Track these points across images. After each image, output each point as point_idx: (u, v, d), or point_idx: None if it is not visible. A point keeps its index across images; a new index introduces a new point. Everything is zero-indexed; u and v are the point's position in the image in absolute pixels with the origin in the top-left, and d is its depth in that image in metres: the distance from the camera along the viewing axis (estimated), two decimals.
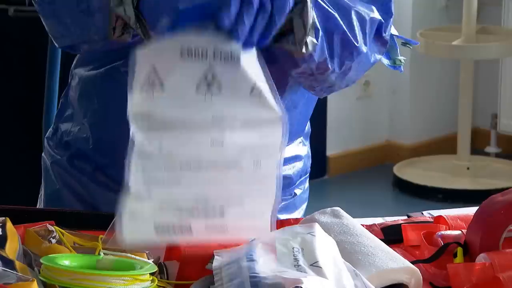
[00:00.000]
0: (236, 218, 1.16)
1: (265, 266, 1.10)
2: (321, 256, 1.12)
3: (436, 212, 1.43)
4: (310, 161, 1.60)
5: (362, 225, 1.31)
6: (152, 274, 1.15)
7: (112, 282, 1.10)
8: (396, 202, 3.97)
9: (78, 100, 1.50)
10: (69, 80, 1.53)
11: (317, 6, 1.26)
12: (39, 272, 1.13)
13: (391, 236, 1.34)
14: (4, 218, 1.20)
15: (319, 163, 4.18)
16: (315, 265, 1.10)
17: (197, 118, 1.13)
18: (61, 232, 1.24)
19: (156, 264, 1.17)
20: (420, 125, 4.29)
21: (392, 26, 1.42)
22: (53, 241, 1.22)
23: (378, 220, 1.40)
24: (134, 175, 1.12)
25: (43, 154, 1.56)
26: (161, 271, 1.19)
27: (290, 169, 1.54)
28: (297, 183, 1.56)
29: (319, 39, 1.24)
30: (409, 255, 1.29)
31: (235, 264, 1.12)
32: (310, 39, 1.22)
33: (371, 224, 1.37)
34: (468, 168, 4.02)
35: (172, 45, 1.13)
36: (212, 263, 1.15)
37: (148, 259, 1.19)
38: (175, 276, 1.20)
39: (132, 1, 1.18)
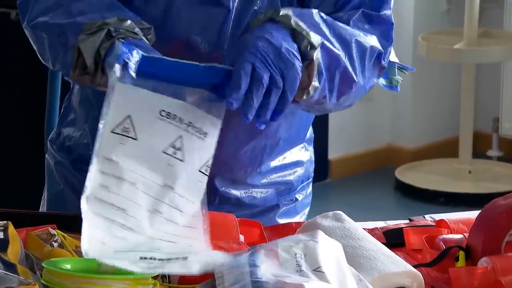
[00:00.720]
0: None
1: (268, 271, 1.10)
2: (324, 262, 1.12)
3: (438, 216, 1.43)
4: (313, 166, 1.61)
5: (364, 228, 1.31)
6: (154, 277, 1.15)
7: (114, 285, 1.10)
8: (397, 205, 3.97)
9: (79, 106, 1.50)
10: (71, 85, 1.53)
11: (323, 47, 1.26)
12: (41, 276, 1.13)
13: (393, 240, 1.34)
14: (6, 222, 1.20)
15: (320, 167, 4.17)
16: (317, 270, 1.10)
17: (152, 180, 1.16)
18: (63, 236, 1.24)
19: None
20: (422, 129, 4.28)
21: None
22: (55, 244, 1.22)
23: (380, 224, 1.40)
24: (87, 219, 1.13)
25: (46, 156, 1.57)
26: (163, 275, 1.19)
27: (291, 175, 1.54)
28: (298, 188, 1.57)
29: (323, 81, 1.27)
30: (411, 259, 1.29)
31: (238, 269, 1.12)
32: (313, 85, 1.25)
33: (373, 228, 1.37)
34: (469, 172, 4.02)
35: (154, 101, 1.17)
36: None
37: None
38: (177, 280, 1.20)
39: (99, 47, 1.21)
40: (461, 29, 3.93)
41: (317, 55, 1.24)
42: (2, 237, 1.17)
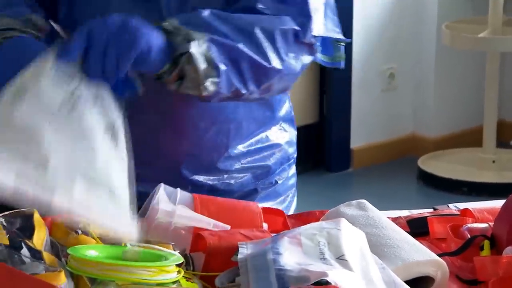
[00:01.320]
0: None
1: (291, 259, 1.10)
2: (347, 250, 1.11)
3: (462, 205, 1.42)
4: (294, 147, 1.60)
5: (388, 217, 1.31)
6: (178, 265, 1.15)
7: (139, 273, 1.10)
8: (420, 195, 3.95)
9: None
10: None
11: (214, 42, 1.28)
12: (66, 263, 1.14)
13: (417, 228, 1.33)
14: (31, 209, 1.21)
15: (343, 156, 4.17)
16: (341, 258, 1.10)
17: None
18: (88, 224, 1.25)
19: (182, 256, 1.18)
20: (445, 118, 4.26)
21: (325, 24, 1.43)
22: (80, 232, 1.23)
23: (404, 213, 1.40)
24: None
25: None
26: (187, 263, 1.20)
27: (268, 158, 1.54)
28: (277, 171, 1.56)
29: (222, 76, 1.28)
30: (435, 248, 1.29)
31: (261, 257, 1.12)
32: (209, 80, 1.26)
33: (397, 217, 1.37)
34: (493, 161, 3.99)
35: (46, 64, 1.18)
36: (238, 255, 1.15)
37: (174, 251, 1.19)
38: (201, 268, 1.20)
39: None
40: (486, 18, 3.91)
41: (195, 48, 1.25)
42: (28, 224, 1.17)
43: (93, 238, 1.22)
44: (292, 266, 1.08)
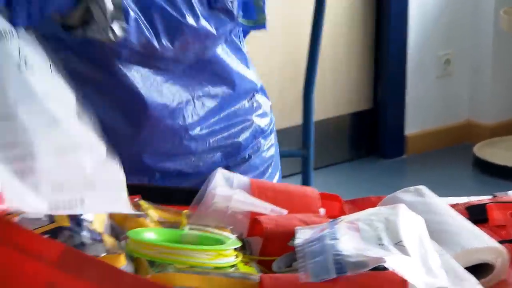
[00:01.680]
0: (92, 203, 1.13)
1: (348, 244, 1.10)
2: (406, 236, 1.11)
3: None
4: (268, 117, 1.58)
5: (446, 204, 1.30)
6: (235, 249, 1.15)
7: (197, 256, 1.11)
8: (476, 182, 3.92)
9: None
10: None
11: None
12: (126, 246, 1.15)
13: (476, 215, 1.32)
14: None
15: (397, 142, 4.14)
16: (399, 244, 1.10)
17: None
18: (147, 207, 1.26)
19: (239, 240, 1.18)
20: (502, 104, 4.21)
21: None
22: (139, 215, 1.24)
23: (463, 199, 1.39)
24: None
25: None
26: (244, 247, 1.20)
27: (237, 135, 1.52)
28: (249, 146, 1.54)
29: (131, 21, 1.25)
30: (495, 235, 1.27)
31: (318, 242, 1.12)
32: (117, 24, 1.23)
33: (455, 204, 1.36)
34: None
35: None
36: (294, 240, 1.16)
37: (231, 235, 1.19)
38: (258, 252, 1.21)
39: None
40: None
41: None
42: None
43: (152, 221, 1.23)
44: (349, 251, 1.08)
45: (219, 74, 1.49)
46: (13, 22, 1.15)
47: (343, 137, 4.12)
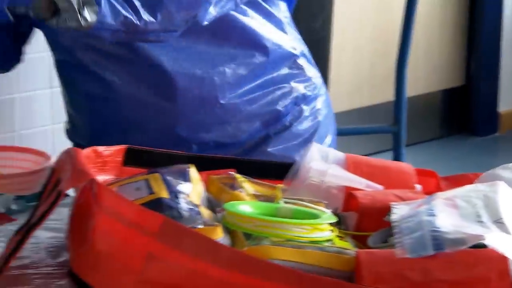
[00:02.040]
0: None
1: (446, 221, 1.09)
2: (505, 213, 1.09)
3: None
4: (311, 84, 1.55)
5: None
6: (330, 224, 1.15)
7: (293, 230, 1.11)
8: None
9: None
10: None
11: None
12: (222, 218, 1.16)
13: None
14: (188, 164, 1.24)
15: (490, 120, 4.07)
16: (499, 222, 1.08)
17: None
18: (242, 180, 1.27)
19: (334, 215, 1.18)
20: None
21: None
22: (235, 188, 1.25)
23: None
24: None
25: None
26: (339, 222, 1.20)
27: (276, 102, 1.50)
28: (289, 113, 1.52)
29: (102, 3, 1.22)
30: None
31: (415, 218, 1.11)
32: (87, 9, 1.21)
33: None
34: None
35: None
36: (390, 215, 1.15)
37: (326, 209, 1.19)
38: (353, 227, 1.20)
39: None
40: None
41: None
42: (185, 179, 1.20)
43: (247, 194, 1.24)
44: (447, 228, 1.06)
45: (247, 41, 1.48)
46: None
47: (434, 114, 4.06)
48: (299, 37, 1.58)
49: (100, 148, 1.27)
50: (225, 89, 1.46)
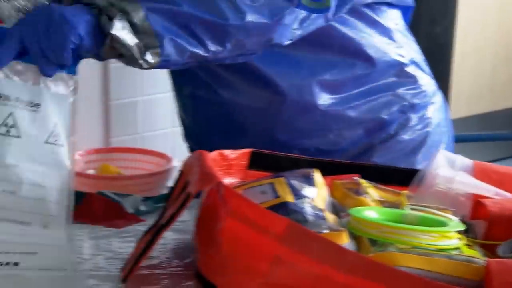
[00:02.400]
0: (32, 263, 1.15)
1: None
2: None
3: None
4: (420, 92, 1.51)
5: None
6: (458, 232, 1.13)
7: (420, 237, 1.09)
8: None
9: None
10: None
11: (154, 10, 1.21)
12: (347, 224, 1.15)
13: None
14: (313, 169, 1.24)
15: None
16: None
17: None
18: (367, 185, 1.26)
19: (462, 223, 1.16)
20: None
21: None
22: (360, 194, 1.24)
23: None
24: None
25: None
26: (467, 230, 1.18)
27: (380, 110, 1.47)
28: (395, 122, 1.49)
29: (165, 44, 1.22)
30: None
31: None
32: (149, 52, 1.21)
33: None
34: None
35: None
36: None
37: (454, 217, 1.17)
38: (481, 236, 1.18)
39: None
40: None
41: (117, 27, 1.19)
42: (309, 184, 1.20)
43: (372, 200, 1.23)
44: None
45: (347, 49, 1.46)
46: (44, 71, 1.17)
47: None
48: (411, 44, 1.56)
49: (226, 152, 1.28)
50: (326, 96, 1.46)
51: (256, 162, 1.31)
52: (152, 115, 2.52)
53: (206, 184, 1.09)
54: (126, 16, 1.20)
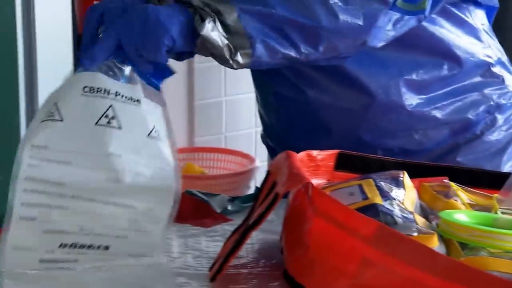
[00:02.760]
0: (121, 248, 1.16)
1: None
2: None
3: None
4: (507, 92, 1.48)
5: None
6: None
7: (511, 241, 1.07)
8: None
9: None
10: None
11: (247, 12, 1.21)
12: (437, 226, 1.14)
13: None
14: (401, 171, 1.23)
15: None
16: None
17: (94, 151, 1.14)
18: (457, 188, 1.24)
19: None
20: None
21: None
22: (449, 197, 1.22)
23: None
24: (19, 198, 1.13)
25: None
26: None
27: (467, 110, 1.46)
28: (481, 122, 1.47)
29: (257, 45, 1.22)
30: None
31: None
32: (240, 53, 1.21)
33: None
34: None
35: (77, 81, 1.16)
36: None
37: None
38: None
39: None
40: None
41: (208, 28, 1.20)
42: (398, 186, 1.19)
43: (462, 203, 1.21)
44: None
45: (435, 49, 1.45)
46: (140, 68, 1.20)
47: None
48: (496, 44, 1.54)
49: (314, 152, 1.27)
50: (412, 97, 1.45)
51: (343, 163, 1.31)
52: (236, 115, 2.53)
53: (294, 184, 1.09)
54: (219, 16, 1.21)
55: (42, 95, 2.36)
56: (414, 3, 1.36)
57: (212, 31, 1.20)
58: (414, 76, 1.45)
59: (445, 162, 1.44)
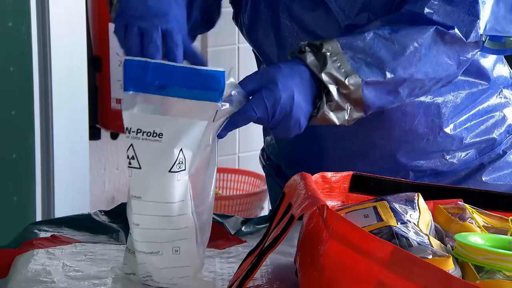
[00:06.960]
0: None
1: None
2: None
3: None
4: None
5: None
6: None
7: None
8: None
9: None
10: None
11: (372, 84, 1.27)
12: (452, 249, 1.14)
13: None
14: (416, 193, 1.22)
15: None
16: None
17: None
18: (472, 211, 1.24)
19: None
20: None
21: (495, 14, 1.36)
22: (464, 219, 1.22)
23: None
24: None
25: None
26: None
27: (491, 130, 1.48)
28: (503, 141, 1.50)
29: (370, 110, 1.29)
30: None
31: None
32: (353, 114, 1.28)
33: None
34: None
35: None
36: None
37: None
38: None
39: None
40: None
41: (324, 110, 1.25)
42: (413, 208, 1.19)
43: (477, 226, 1.21)
44: None
45: (472, 70, 1.46)
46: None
47: None
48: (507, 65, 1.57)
49: (328, 174, 1.27)
50: (449, 118, 1.46)
51: (357, 185, 1.31)
52: (249, 136, 2.53)
53: (310, 206, 1.09)
54: (343, 88, 1.26)
55: (57, 119, 2.36)
56: (501, 40, 1.40)
57: (331, 110, 1.27)
58: (452, 97, 1.46)
59: (471, 183, 1.46)
